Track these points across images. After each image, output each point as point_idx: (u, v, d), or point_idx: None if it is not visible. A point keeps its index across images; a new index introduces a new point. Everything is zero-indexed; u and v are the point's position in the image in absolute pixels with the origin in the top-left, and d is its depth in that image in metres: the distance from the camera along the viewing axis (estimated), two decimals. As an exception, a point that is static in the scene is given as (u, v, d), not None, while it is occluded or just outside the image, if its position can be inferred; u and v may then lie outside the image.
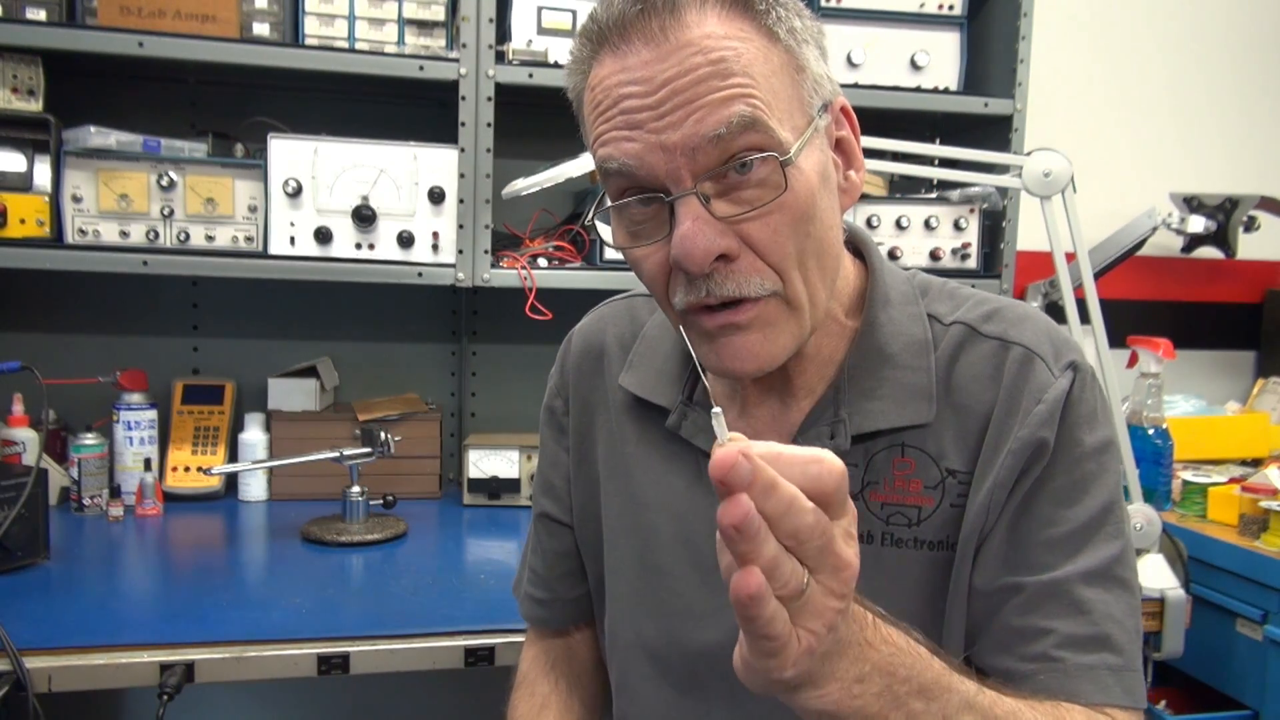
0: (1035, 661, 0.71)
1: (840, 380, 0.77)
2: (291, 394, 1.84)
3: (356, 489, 1.61)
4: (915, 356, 0.77)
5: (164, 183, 1.59)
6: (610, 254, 1.72)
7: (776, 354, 0.71)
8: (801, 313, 0.71)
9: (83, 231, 1.58)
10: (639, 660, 0.85)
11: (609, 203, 0.72)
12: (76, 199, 1.57)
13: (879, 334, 0.78)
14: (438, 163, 1.65)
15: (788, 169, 0.67)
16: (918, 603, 0.75)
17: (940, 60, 1.86)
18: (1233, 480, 1.76)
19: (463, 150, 1.66)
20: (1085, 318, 1.55)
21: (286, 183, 1.60)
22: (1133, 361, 1.91)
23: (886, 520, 0.76)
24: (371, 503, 1.63)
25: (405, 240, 1.64)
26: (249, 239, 1.63)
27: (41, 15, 1.56)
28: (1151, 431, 1.80)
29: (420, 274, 1.66)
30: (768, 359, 0.71)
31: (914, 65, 1.85)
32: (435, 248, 1.66)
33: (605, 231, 0.74)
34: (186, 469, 1.80)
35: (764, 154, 0.66)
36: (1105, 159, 2.32)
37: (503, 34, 1.69)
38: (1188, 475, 1.81)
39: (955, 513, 0.75)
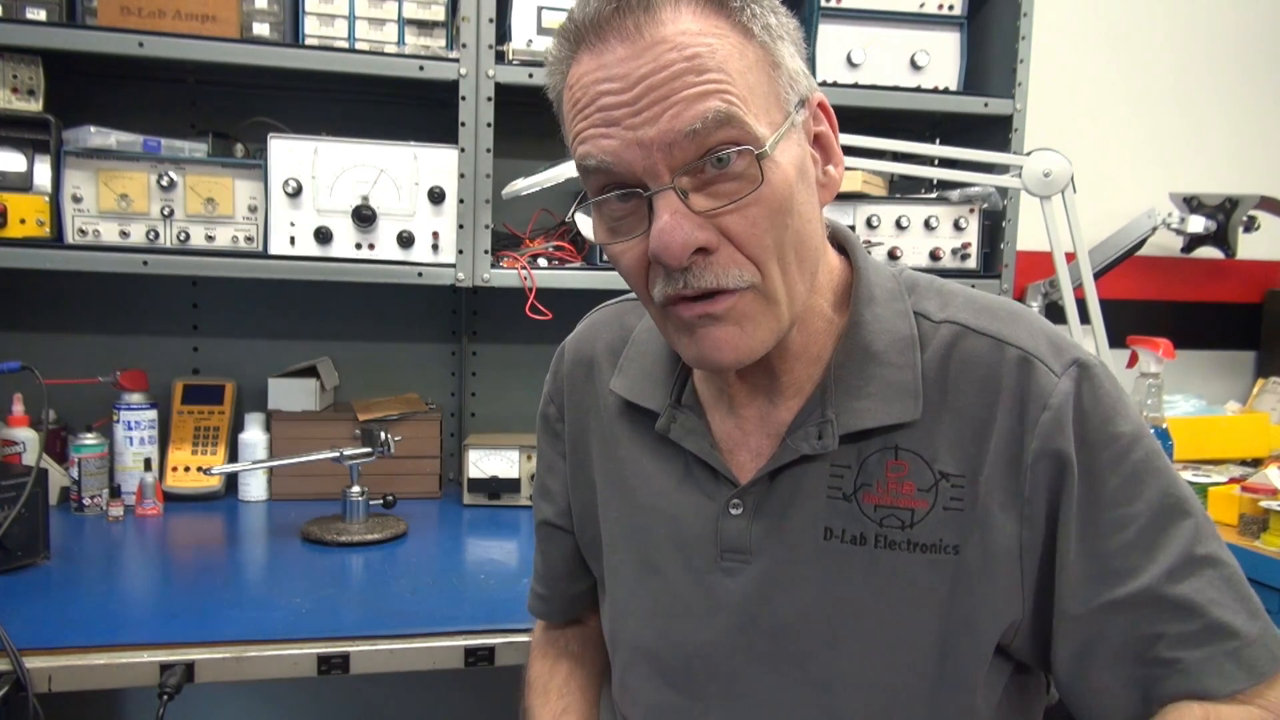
0: (1154, 666, 0.71)
1: (827, 379, 0.77)
2: (291, 394, 1.84)
3: (356, 489, 1.61)
4: (900, 354, 0.77)
5: (164, 183, 1.59)
6: (610, 254, 1.72)
7: (754, 346, 0.72)
8: (779, 306, 0.71)
9: (83, 231, 1.58)
10: (638, 661, 0.86)
11: (589, 199, 0.73)
12: (76, 199, 1.57)
13: (864, 332, 0.78)
14: (438, 163, 1.65)
15: (764, 162, 0.68)
16: (926, 610, 0.74)
17: (940, 60, 1.86)
18: (1233, 480, 1.76)
19: (463, 150, 1.66)
20: (1085, 318, 1.55)
21: (286, 183, 1.60)
22: (1133, 361, 1.91)
23: (880, 522, 0.75)
24: (371, 503, 1.63)
25: (405, 240, 1.64)
26: (249, 239, 1.63)
27: (41, 15, 1.56)
28: (1151, 431, 1.80)
29: (420, 274, 1.66)
30: (746, 351, 0.72)
31: (914, 65, 1.85)
32: (435, 248, 1.66)
33: (586, 227, 0.75)
34: (186, 469, 1.80)
35: (740, 147, 0.67)
36: (1105, 159, 2.32)
37: (503, 34, 1.69)
38: (1188, 475, 1.80)
39: (949, 515, 0.74)
